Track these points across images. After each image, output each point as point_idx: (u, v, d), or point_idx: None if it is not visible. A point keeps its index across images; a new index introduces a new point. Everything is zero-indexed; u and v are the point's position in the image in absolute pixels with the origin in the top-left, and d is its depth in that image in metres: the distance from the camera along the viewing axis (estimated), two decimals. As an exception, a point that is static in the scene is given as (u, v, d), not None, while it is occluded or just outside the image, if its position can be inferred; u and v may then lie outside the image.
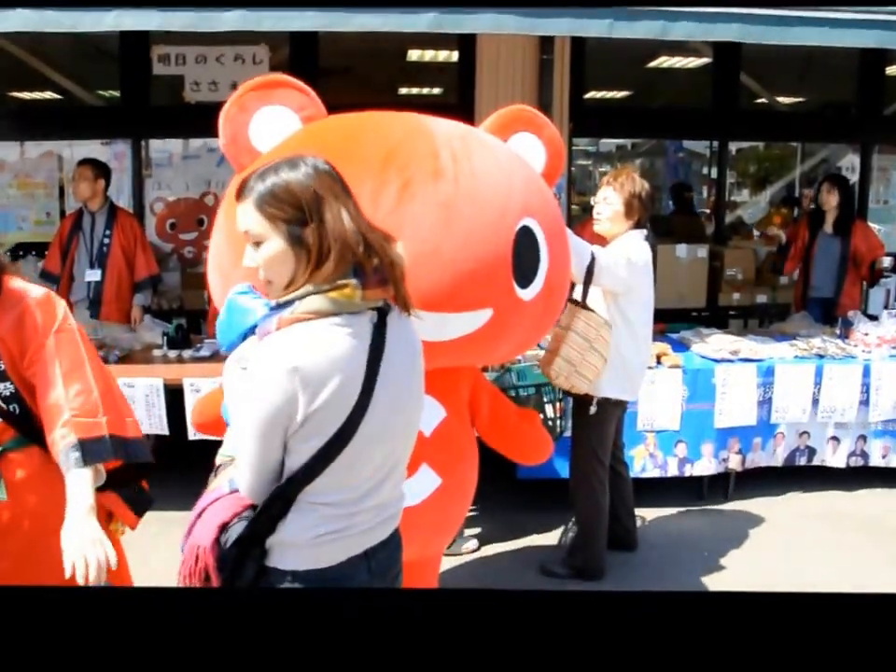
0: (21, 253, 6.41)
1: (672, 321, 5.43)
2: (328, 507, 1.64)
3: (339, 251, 1.57)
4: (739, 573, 3.82)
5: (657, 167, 11.79)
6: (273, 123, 2.42)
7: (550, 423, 3.55)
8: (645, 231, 3.58)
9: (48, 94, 6.99)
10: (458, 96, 6.33)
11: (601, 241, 3.60)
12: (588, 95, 7.01)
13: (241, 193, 1.63)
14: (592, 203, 3.69)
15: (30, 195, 6.58)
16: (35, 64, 6.30)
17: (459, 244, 2.26)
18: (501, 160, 2.51)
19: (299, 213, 1.57)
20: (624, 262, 3.41)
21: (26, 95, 7.14)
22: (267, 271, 1.62)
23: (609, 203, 3.52)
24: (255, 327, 1.67)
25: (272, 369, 1.54)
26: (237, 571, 1.63)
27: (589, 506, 3.67)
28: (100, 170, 5.24)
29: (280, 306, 1.61)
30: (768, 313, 6.64)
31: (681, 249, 6.13)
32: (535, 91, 6.13)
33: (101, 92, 7.00)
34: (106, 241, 5.22)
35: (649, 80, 8.06)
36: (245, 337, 1.73)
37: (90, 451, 1.94)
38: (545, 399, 3.52)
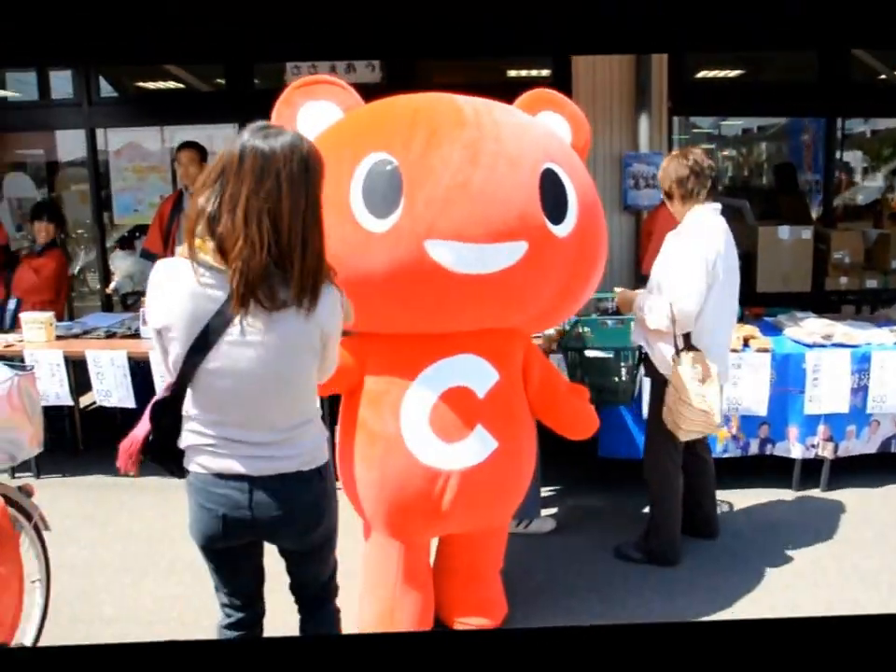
0: (137, 234, 6.83)
1: (774, 305, 5.23)
2: (192, 420, 2.07)
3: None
4: (824, 567, 3.66)
5: (781, 151, 11.30)
6: (319, 116, 2.72)
7: (622, 385, 3.59)
8: (717, 205, 3.45)
9: (167, 83, 7.31)
10: (555, 75, 6.28)
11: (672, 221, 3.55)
12: (692, 74, 6.79)
13: None
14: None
15: (144, 179, 6.93)
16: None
17: (486, 177, 2.45)
18: (521, 116, 2.77)
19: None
20: (700, 268, 3.28)
21: (147, 84, 7.47)
22: None
23: (664, 199, 3.56)
24: None
25: (150, 281, 2.02)
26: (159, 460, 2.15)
27: (663, 488, 3.60)
28: (202, 153, 5.43)
29: None
30: (880, 298, 6.29)
31: (784, 231, 5.88)
32: (632, 69, 6.03)
33: (207, 78, 7.27)
34: (206, 222, 5.42)
35: (754, 56, 7.73)
36: None
37: None
38: (622, 363, 3.57)
